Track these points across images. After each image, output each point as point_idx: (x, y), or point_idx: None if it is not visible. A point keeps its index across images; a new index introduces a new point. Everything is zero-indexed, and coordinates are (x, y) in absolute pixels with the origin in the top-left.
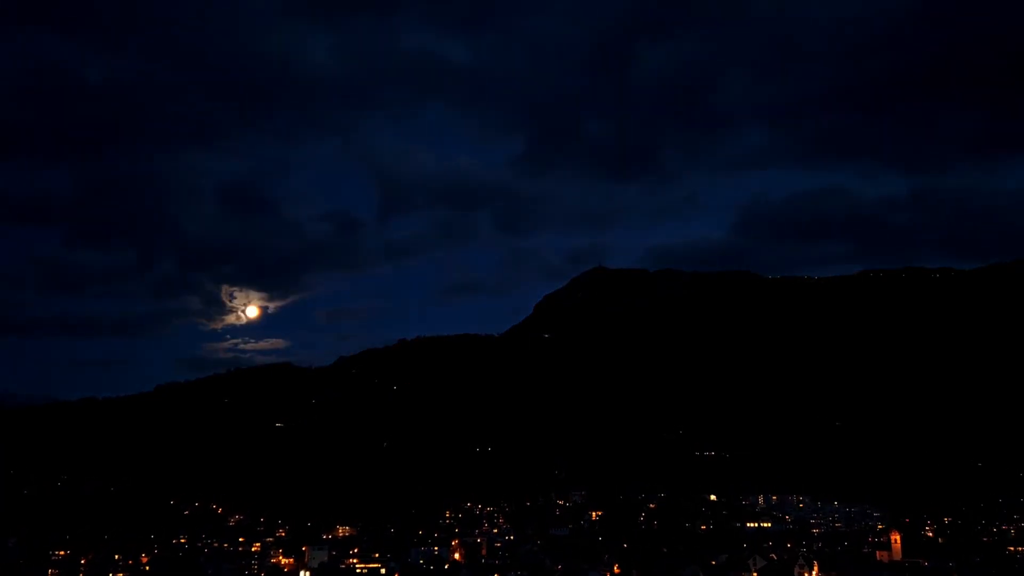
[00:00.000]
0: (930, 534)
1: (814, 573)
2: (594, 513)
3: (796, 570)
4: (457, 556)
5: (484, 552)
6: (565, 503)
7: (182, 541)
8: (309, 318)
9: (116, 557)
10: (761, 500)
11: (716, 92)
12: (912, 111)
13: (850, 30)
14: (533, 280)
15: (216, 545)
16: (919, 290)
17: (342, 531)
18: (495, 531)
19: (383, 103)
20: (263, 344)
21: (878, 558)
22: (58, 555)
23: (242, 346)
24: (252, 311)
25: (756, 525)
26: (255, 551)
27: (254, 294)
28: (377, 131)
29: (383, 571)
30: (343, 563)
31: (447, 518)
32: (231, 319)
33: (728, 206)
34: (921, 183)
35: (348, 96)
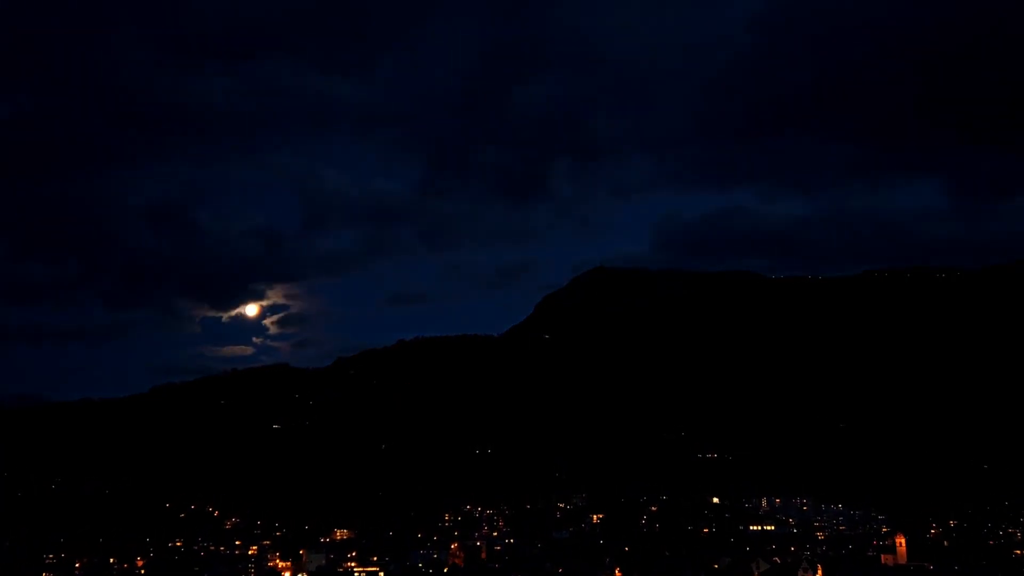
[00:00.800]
0: (935, 537)
1: None
2: (595, 516)
3: (800, 574)
4: (456, 559)
5: (484, 555)
6: (566, 505)
7: (178, 544)
8: (260, 327)
9: (111, 560)
10: (764, 503)
11: (596, 123)
12: (792, 137)
13: (717, 60)
14: (471, 290)
15: (212, 548)
16: (924, 290)
17: (340, 534)
18: (495, 534)
19: (289, 135)
20: (230, 350)
21: (883, 562)
22: (52, 558)
23: (212, 352)
24: (251, 309)
25: (759, 528)
26: (252, 554)
27: (202, 305)
28: (288, 157)
29: (381, 574)
30: (341, 566)
31: (446, 521)
32: (192, 328)
33: (642, 225)
34: (818, 203)
35: (254, 128)
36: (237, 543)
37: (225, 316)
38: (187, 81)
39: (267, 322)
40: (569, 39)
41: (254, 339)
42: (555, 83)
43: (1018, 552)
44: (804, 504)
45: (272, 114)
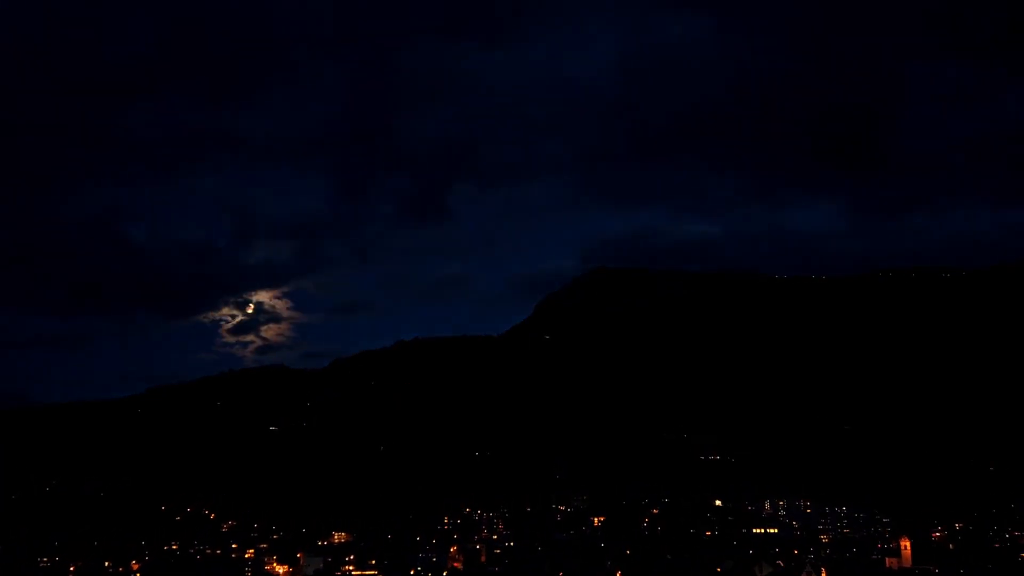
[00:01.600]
0: (941, 540)
1: None
2: (596, 518)
3: None
4: (456, 563)
5: (483, 558)
6: (566, 508)
7: (174, 547)
8: (216, 336)
9: (106, 564)
10: (767, 505)
11: (495, 149)
12: (688, 163)
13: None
14: (416, 299)
15: (209, 551)
16: (929, 290)
17: (338, 537)
18: (494, 537)
19: (208, 160)
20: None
21: (887, 565)
22: (47, 561)
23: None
24: (249, 308)
25: (762, 531)
26: (249, 558)
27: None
28: (211, 179)
29: None
30: (339, 570)
31: (445, 524)
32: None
33: (566, 242)
34: (726, 222)
35: (176, 153)
36: (234, 546)
37: (187, 321)
38: (110, 114)
39: (225, 329)
40: (459, 74)
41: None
42: (449, 115)
43: None
44: (807, 506)
45: (189, 141)
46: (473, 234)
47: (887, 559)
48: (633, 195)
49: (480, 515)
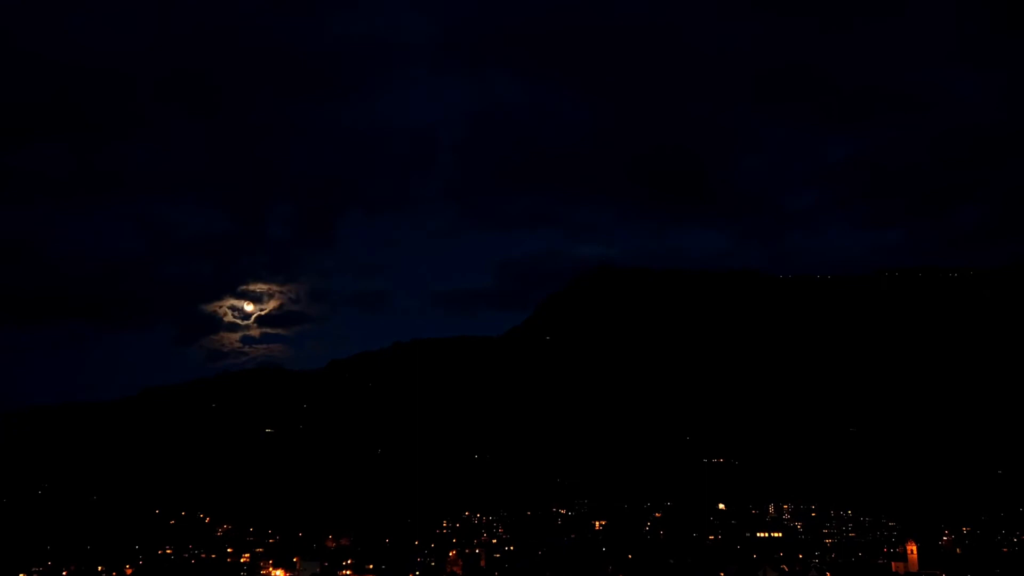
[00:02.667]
0: (948, 544)
1: None
2: (597, 523)
3: None
4: (455, 567)
5: (483, 563)
6: (567, 512)
7: (168, 552)
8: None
9: (99, 569)
10: (772, 509)
11: (373, 183)
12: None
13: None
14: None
15: (204, 556)
16: (935, 290)
17: (335, 541)
18: (494, 541)
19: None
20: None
21: (894, 569)
22: (40, 569)
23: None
24: (247, 307)
25: (767, 535)
26: (244, 562)
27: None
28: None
29: None
30: (336, 574)
31: (444, 528)
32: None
33: (478, 263)
34: (619, 243)
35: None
36: (229, 550)
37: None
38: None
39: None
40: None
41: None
42: (333, 149)
43: None
44: (812, 510)
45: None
46: (375, 255)
47: (893, 563)
48: (513, 222)
49: (479, 519)
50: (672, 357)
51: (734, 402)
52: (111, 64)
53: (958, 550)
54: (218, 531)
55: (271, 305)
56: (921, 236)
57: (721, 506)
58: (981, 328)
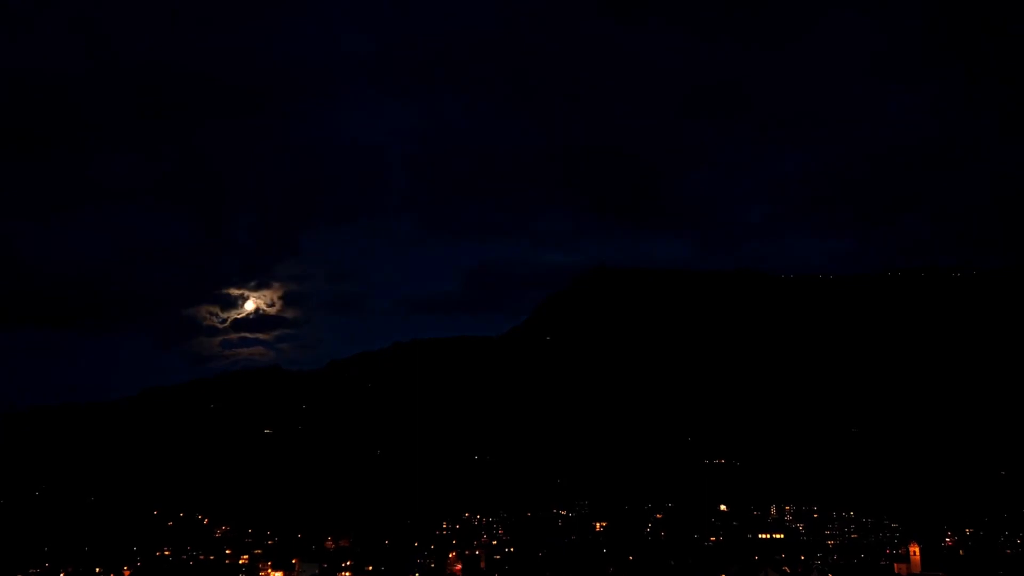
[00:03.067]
0: (951, 546)
1: None
2: (598, 524)
3: None
4: (455, 569)
5: (483, 565)
6: (568, 513)
7: (166, 553)
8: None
9: (97, 571)
10: (773, 510)
11: (331, 195)
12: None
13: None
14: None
15: (202, 557)
16: (939, 290)
17: (334, 542)
18: (494, 543)
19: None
20: None
21: (896, 571)
22: (37, 571)
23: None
24: (249, 304)
25: (768, 536)
26: (243, 563)
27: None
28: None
29: None
30: None
31: (444, 529)
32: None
33: (444, 270)
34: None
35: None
36: (227, 552)
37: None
38: None
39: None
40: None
41: None
42: (291, 163)
43: None
44: (814, 511)
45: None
46: (342, 263)
47: (896, 565)
48: (471, 231)
49: (479, 520)
50: (673, 357)
51: (735, 402)
52: (81, 79)
53: (961, 551)
54: (216, 532)
55: (248, 310)
56: (871, 244)
57: (722, 507)
58: (984, 329)
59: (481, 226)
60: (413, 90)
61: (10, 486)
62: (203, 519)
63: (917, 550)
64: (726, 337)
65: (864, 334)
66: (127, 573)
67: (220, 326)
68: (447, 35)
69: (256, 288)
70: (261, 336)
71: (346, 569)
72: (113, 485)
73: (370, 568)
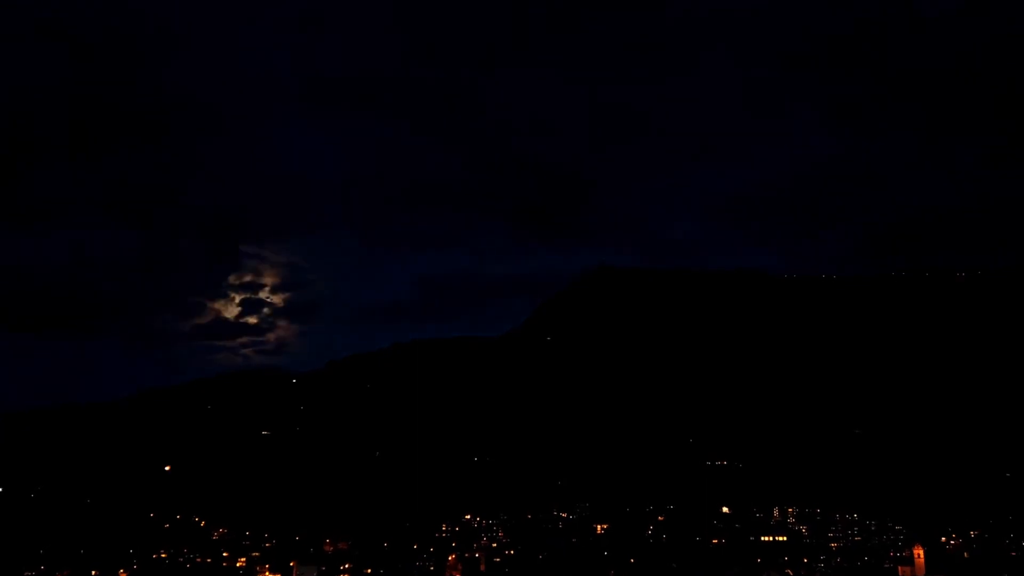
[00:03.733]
0: (955, 549)
1: None
2: (599, 526)
3: None
4: (454, 572)
5: (483, 567)
6: (568, 515)
7: (162, 556)
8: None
9: (93, 573)
10: (776, 512)
11: (267, 216)
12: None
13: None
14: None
15: (199, 560)
16: (943, 291)
17: (332, 545)
18: (494, 545)
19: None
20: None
21: (900, 574)
22: (31, 573)
23: None
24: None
25: (771, 539)
26: (240, 566)
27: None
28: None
29: None
30: None
31: (443, 532)
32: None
33: (394, 278)
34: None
35: None
36: (225, 555)
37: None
38: None
39: None
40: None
41: None
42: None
43: None
44: (817, 513)
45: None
46: (293, 274)
47: (900, 568)
48: (413, 243)
49: (479, 522)
50: (675, 358)
51: (738, 404)
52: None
53: (965, 554)
54: (213, 535)
55: (208, 318)
56: (796, 257)
57: (725, 509)
58: (988, 330)
59: (421, 238)
60: (340, 116)
61: (6, 487)
62: (200, 521)
63: (921, 553)
64: (728, 337)
65: (867, 335)
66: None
67: (185, 332)
68: (375, 59)
69: (212, 298)
70: (227, 343)
71: (345, 572)
72: (109, 487)
73: (369, 571)
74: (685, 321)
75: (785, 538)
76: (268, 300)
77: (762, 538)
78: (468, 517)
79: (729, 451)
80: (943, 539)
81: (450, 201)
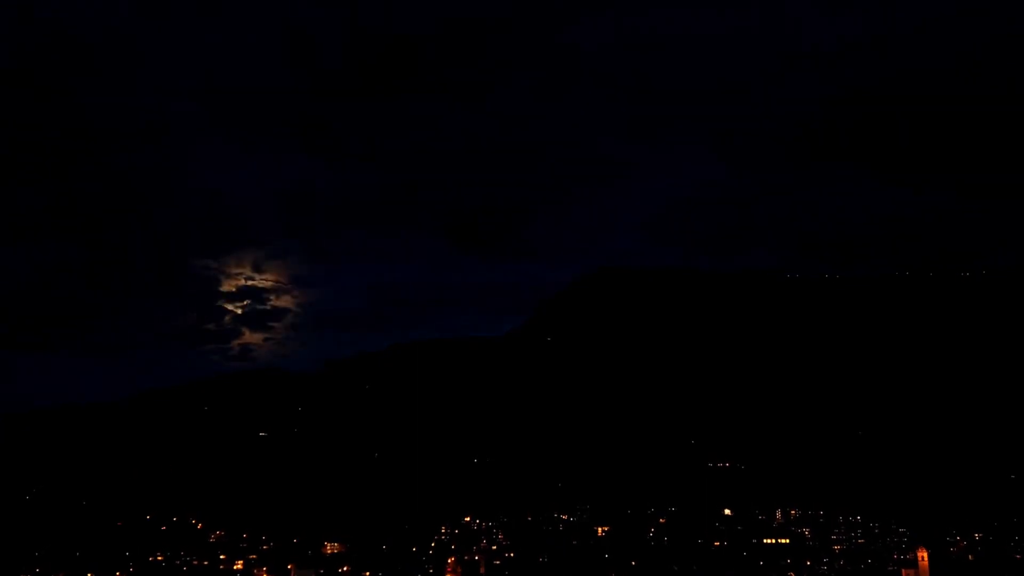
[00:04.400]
0: (960, 552)
1: None
2: (600, 528)
3: None
4: (454, 574)
5: (482, 570)
6: (569, 518)
7: (159, 559)
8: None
9: (89, 575)
10: (779, 515)
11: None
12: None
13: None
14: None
15: (196, 562)
16: (946, 291)
17: (331, 547)
18: (494, 548)
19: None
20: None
21: None
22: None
23: None
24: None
25: (773, 541)
26: (237, 569)
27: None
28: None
29: None
30: None
31: (443, 534)
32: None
33: (351, 287)
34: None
35: None
36: (222, 557)
37: None
38: None
39: None
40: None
41: None
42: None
43: None
44: (820, 516)
45: None
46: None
47: (904, 571)
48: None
49: (479, 525)
50: (676, 359)
51: (740, 405)
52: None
53: (970, 557)
54: (210, 537)
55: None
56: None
57: (727, 511)
58: (993, 330)
59: (367, 251)
60: (259, 140)
61: (1, 490)
62: (197, 524)
63: (925, 555)
64: (730, 338)
65: (870, 336)
66: None
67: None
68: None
69: (166, 309)
70: (188, 349)
71: (343, 574)
72: (105, 489)
73: (367, 574)
74: (686, 322)
75: (788, 540)
76: (228, 308)
77: (764, 540)
78: (467, 519)
79: (731, 452)
80: (947, 541)
81: (388, 218)
